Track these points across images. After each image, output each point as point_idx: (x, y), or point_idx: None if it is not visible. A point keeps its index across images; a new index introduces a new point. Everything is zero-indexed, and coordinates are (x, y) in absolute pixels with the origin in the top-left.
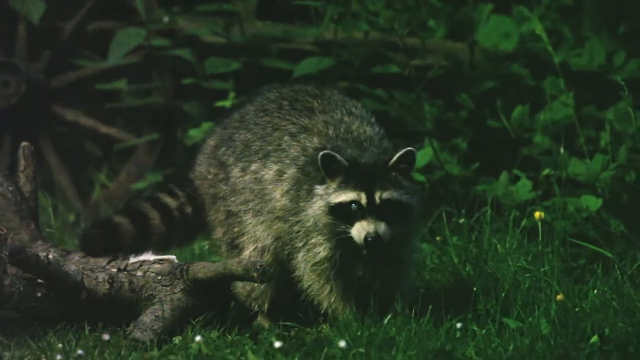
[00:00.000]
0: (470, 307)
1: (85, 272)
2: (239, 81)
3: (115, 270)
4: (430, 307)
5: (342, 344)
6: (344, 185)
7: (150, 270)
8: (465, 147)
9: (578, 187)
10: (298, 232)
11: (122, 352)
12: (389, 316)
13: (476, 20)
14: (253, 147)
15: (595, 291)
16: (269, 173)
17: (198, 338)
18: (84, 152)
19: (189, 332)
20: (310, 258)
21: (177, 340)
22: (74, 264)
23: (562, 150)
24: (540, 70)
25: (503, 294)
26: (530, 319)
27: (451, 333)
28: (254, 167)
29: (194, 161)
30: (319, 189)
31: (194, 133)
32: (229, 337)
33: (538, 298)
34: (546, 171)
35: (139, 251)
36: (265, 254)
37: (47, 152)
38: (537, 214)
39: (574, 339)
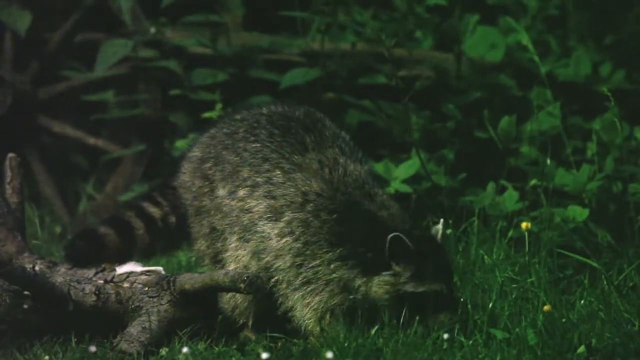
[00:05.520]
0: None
1: (72, 284)
2: (226, 92)
3: (102, 281)
4: (417, 317)
5: (329, 355)
6: (420, 275)
7: (137, 281)
8: (452, 158)
9: (565, 198)
10: (302, 272)
11: None
12: (376, 327)
13: (463, 31)
14: (241, 173)
15: (582, 301)
16: (259, 207)
17: (185, 349)
18: (70, 164)
19: (176, 343)
20: (316, 303)
21: (164, 351)
22: (61, 275)
23: (548, 160)
24: (526, 81)
25: (490, 305)
26: (517, 329)
27: (438, 344)
28: (241, 193)
29: (178, 169)
30: (385, 275)
31: (181, 144)
32: (216, 348)
33: (525, 308)
34: (533, 181)
35: (123, 261)
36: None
37: (34, 163)
38: (524, 225)
39: (561, 349)
